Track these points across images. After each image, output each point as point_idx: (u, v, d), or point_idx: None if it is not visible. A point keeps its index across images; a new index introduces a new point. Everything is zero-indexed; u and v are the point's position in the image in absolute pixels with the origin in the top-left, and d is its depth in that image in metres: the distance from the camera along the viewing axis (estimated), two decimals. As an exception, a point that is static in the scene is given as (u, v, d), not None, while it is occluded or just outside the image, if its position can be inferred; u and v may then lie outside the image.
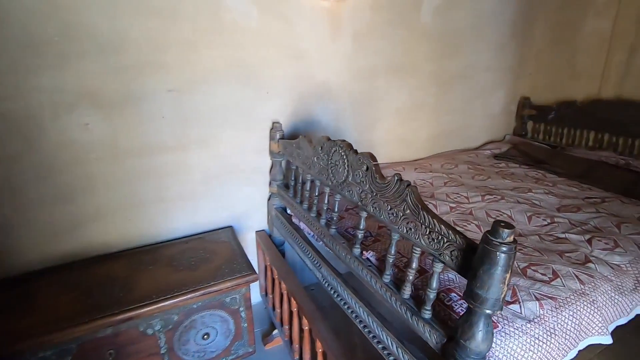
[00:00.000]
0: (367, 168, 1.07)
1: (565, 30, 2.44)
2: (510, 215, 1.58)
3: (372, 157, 1.07)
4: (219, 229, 1.83)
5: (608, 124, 2.23)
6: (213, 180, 1.76)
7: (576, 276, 1.13)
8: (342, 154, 1.19)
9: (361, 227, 1.14)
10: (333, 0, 1.77)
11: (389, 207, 0.99)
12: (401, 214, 0.94)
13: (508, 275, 0.70)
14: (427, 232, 0.86)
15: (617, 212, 1.61)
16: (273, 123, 1.79)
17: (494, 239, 0.69)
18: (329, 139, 1.28)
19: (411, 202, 0.91)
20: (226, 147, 1.74)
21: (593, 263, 1.21)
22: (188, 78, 1.57)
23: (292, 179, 1.66)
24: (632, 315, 1.17)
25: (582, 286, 1.09)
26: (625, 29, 2.13)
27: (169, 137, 1.60)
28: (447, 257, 0.81)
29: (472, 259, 0.74)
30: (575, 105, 2.38)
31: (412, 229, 0.91)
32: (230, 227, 1.85)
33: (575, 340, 1.01)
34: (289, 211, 1.78)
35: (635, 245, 1.32)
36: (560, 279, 1.11)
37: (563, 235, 1.41)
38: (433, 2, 2.11)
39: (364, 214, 1.13)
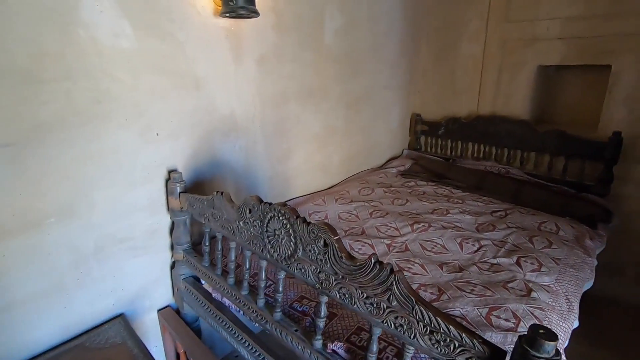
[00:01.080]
0: (326, 244, 0.84)
1: (446, 51, 2.66)
2: (443, 244, 1.56)
3: (332, 229, 0.84)
4: (105, 322, 1.33)
5: (487, 136, 2.51)
6: (89, 259, 1.26)
7: (532, 313, 1.12)
8: (285, 222, 0.93)
9: (322, 314, 0.90)
10: (232, 19, 1.47)
11: (365, 296, 0.78)
12: (385, 306, 0.75)
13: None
14: (428, 332, 0.68)
15: (521, 224, 1.77)
16: (169, 172, 1.39)
17: (536, 354, 0.55)
18: (261, 201, 1.00)
19: (400, 292, 0.72)
20: (103, 212, 1.26)
21: (534, 291, 1.24)
22: (29, 125, 1.06)
23: (206, 244, 1.30)
24: (569, 336, 1.24)
25: (541, 323, 1.09)
26: (493, 53, 2.43)
27: (6, 216, 1.05)
28: (461, 364, 0.65)
29: (502, 373, 0.59)
30: (460, 121, 2.62)
31: (404, 326, 0.72)
32: (121, 314, 1.37)
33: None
34: (203, 281, 1.41)
35: (552, 261, 1.44)
36: (522, 321, 1.09)
37: (495, 261, 1.44)
38: (333, 24, 2.01)
39: (324, 299, 0.89)
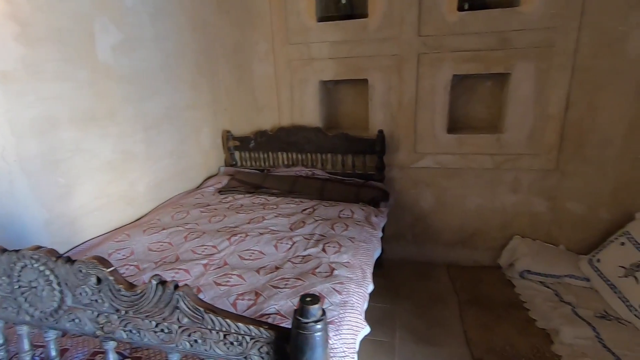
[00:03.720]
0: (99, 280, 0.73)
1: (243, 71, 2.80)
2: (260, 250, 1.62)
3: (103, 262, 0.73)
4: None
5: (292, 145, 2.77)
6: None
7: (334, 289, 1.29)
8: (42, 268, 0.75)
9: (113, 365, 0.77)
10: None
11: (154, 324, 0.71)
12: (177, 327, 0.69)
13: (327, 350, 0.65)
14: (222, 337, 0.67)
15: (326, 215, 2.03)
16: None
17: (307, 321, 0.61)
18: (4, 250, 0.78)
19: (187, 307, 0.68)
20: None
21: (336, 270, 1.43)
22: None
23: None
24: (368, 297, 1.48)
25: (341, 296, 1.26)
26: (283, 72, 2.72)
27: None
28: (256, 357, 0.66)
29: (287, 348, 0.63)
30: (267, 134, 2.80)
31: (199, 340, 0.69)
32: None
33: (354, 346, 1.15)
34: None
35: (349, 241, 1.70)
36: (327, 298, 1.23)
37: (306, 253, 1.59)
38: (109, 39, 1.81)
39: (111, 345, 0.76)
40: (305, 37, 2.61)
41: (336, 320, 1.13)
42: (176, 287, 0.68)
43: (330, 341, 1.03)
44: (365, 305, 1.40)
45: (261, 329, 0.65)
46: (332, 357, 1.00)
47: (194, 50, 2.53)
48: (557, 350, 1.87)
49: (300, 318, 0.62)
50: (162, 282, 0.69)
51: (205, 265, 1.48)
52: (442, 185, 2.68)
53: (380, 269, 2.76)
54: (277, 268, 1.46)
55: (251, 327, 0.65)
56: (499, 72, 2.42)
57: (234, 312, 1.03)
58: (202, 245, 1.65)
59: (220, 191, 2.47)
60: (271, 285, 1.31)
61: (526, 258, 2.48)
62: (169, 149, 2.30)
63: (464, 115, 2.74)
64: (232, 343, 0.67)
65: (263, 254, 1.59)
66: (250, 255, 1.57)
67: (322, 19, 2.62)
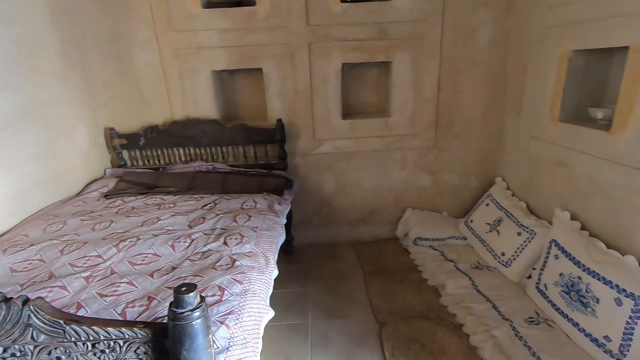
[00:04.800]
0: None
1: (123, 62, 2.52)
2: (155, 252, 1.51)
3: None
4: None
5: (188, 139, 2.62)
6: None
7: (234, 279, 1.27)
8: None
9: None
10: None
11: (1, 350, 0.61)
12: (32, 347, 0.61)
13: (210, 336, 0.64)
14: (91, 347, 0.61)
15: (228, 208, 1.98)
16: None
17: (182, 311, 0.59)
18: None
19: (43, 322, 0.60)
20: None
21: (238, 261, 1.42)
22: None
23: None
24: (272, 283, 1.50)
25: (242, 285, 1.26)
26: (170, 61, 2.52)
27: None
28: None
29: (167, 344, 0.61)
30: (158, 129, 2.59)
31: (63, 357, 0.62)
32: None
33: (258, 332, 1.16)
34: None
35: (252, 231, 1.69)
36: (227, 290, 1.21)
37: (206, 249, 1.54)
38: None
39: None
40: (191, 24, 2.46)
41: (236, 310, 1.12)
42: (25, 301, 0.60)
43: (229, 330, 1.03)
44: (270, 291, 1.42)
45: (135, 329, 0.61)
46: (232, 345, 0.99)
47: (57, 38, 2.19)
48: (444, 302, 2.17)
49: (175, 309, 0.60)
50: (6, 300, 0.60)
51: (87, 278, 1.32)
52: (341, 169, 2.84)
53: (291, 255, 2.84)
54: (173, 268, 1.38)
55: (123, 329, 0.61)
56: (382, 61, 2.63)
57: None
58: (84, 257, 1.46)
59: (107, 195, 2.21)
60: (166, 287, 1.23)
61: (417, 227, 2.79)
62: (33, 152, 1.96)
63: (356, 102, 2.93)
64: (103, 351, 0.61)
65: (158, 255, 1.48)
66: (143, 260, 1.45)
67: (208, 5, 2.50)
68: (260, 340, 1.14)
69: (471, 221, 2.74)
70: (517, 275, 2.23)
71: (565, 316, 1.79)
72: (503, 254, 2.34)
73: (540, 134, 2.31)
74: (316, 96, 2.66)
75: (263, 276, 1.38)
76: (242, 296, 1.19)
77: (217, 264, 1.39)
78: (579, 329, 1.71)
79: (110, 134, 2.57)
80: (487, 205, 2.68)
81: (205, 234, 1.66)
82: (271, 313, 1.29)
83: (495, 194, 2.69)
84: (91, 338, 0.61)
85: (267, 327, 2.04)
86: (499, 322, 1.89)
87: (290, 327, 2.06)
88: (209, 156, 2.68)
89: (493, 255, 2.43)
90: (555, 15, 2.11)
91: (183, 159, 2.70)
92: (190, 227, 1.76)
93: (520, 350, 1.71)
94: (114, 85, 2.57)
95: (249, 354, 1.01)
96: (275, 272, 1.55)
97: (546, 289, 1.95)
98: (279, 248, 1.76)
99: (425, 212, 2.94)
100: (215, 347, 0.96)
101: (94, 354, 0.61)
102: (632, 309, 1.49)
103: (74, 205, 2.05)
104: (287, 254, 2.85)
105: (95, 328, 0.60)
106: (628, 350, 1.49)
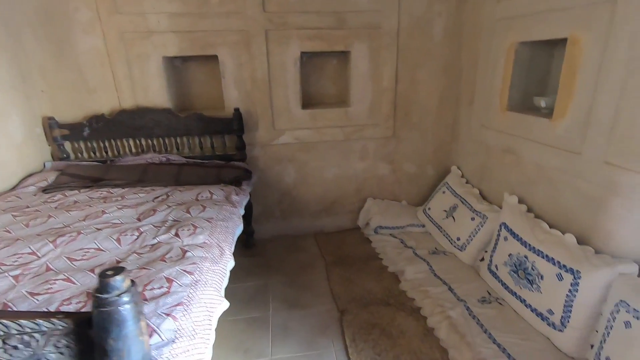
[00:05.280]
0: None
1: (62, 45, 2.31)
2: (98, 246, 1.40)
3: None
4: None
5: (138, 129, 2.47)
6: None
7: (184, 270, 1.21)
8: None
9: None
10: None
11: None
12: None
13: (143, 323, 0.59)
14: (1, 344, 0.54)
15: (181, 200, 1.89)
16: None
17: (108, 296, 0.54)
18: None
19: (-61, 318, 0.52)
20: None
21: (189, 252, 1.35)
22: None
23: None
24: (228, 273, 1.45)
25: (192, 276, 1.19)
26: (116, 46, 2.35)
27: None
28: (53, 355, 0.56)
29: (91, 335, 0.55)
30: (104, 118, 2.41)
31: (-33, 356, 0.54)
32: None
33: (209, 324, 1.11)
34: None
35: (206, 222, 1.62)
36: (175, 281, 1.14)
37: (155, 241, 1.45)
38: None
39: None
40: (138, 6, 2.31)
41: (185, 301, 1.06)
42: None
43: (176, 322, 0.97)
44: (225, 282, 1.37)
45: (54, 320, 0.55)
46: (179, 337, 0.94)
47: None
48: (403, 287, 2.22)
49: (99, 295, 0.54)
50: None
51: (17, 276, 1.19)
52: (302, 160, 2.81)
53: (252, 248, 2.78)
54: (118, 262, 1.29)
55: (40, 321, 0.54)
56: (341, 50, 2.62)
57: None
58: (14, 255, 1.32)
59: (45, 190, 2.03)
60: (108, 282, 1.14)
61: (377, 216, 2.83)
62: (-46, 142, 1.75)
63: (316, 92, 2.91)
64: (15, 347, 0.54)
65: (101, 250, 1.38)
66: (84, 255, 1.34)
67: (156, -14, 2.36)
68: (213, 332, 1.09)
69: (429, 209, 2.82)
70: (471, 259, 2.33)
71: (514, 294, 1.89)
72: (458, 239, 2.44)
73: (491, 123, 2.41)
74: (275, 85, 2.60)
75: (217, 267, 1.33)
76: (192, 287, 1.13)
77: (167, 256, 1.31)
78: (525, 305, 1.81)
79: (50, 124, 2.36)
80: (444, 192, 2.77)
81: (155, 227, 1.57)
82: (225, 304, 1.24)
83: (450, 182, 2.78)
84: (2, 333, 0.53)
85: (226, 322, 2.00)
86: (454, 304, 1.96)
87: (250, 320, 2.01)
88: (162, 147, 2.55)
89: (449, 240, 2.52)
90: (504, 8, 2.20)
91: (134, 150, 2.55)
92: (139, 219, 1.65)
93: (473, 328, 1.79)
94: (53, 71, 2.36)
95: (198, 346, 0.96)
96: (231, 263, 1.50)
97: (497, 269, 2.04)
98: (235, 239, 1.70)
99: (385, 202, 2.99)
100: (161, 339, 0.90)
101: (4, 351, 0.54)
102: (571, 283, 1.60)
103: (5, 201, 1.86)
104: (248, 247, 2.78)
105: (4, 321, 0.53)
106: (568, 321, 1.60)
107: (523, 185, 2.16)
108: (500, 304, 1.95)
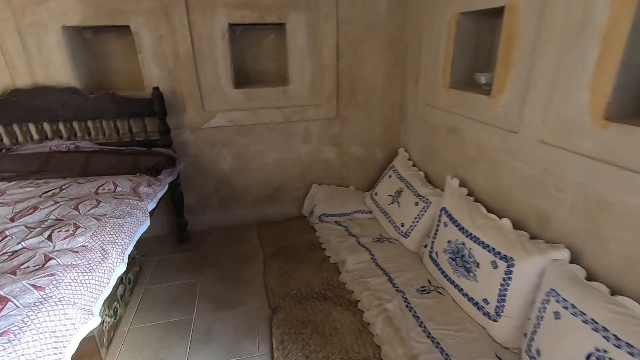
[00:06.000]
0: None
1: None
2: (-61, 257, 1.13)
3: None
4: None
5: (38, 112, 2.12)
6: None
7: (33, 285, 0.97)
8: None
9: None
10: None
11: None
12: None
13: None
14: None
15: (76, 194, 1.62)
16: None
17: None
18: None
19: None
20: None
21: (54, 259, 1.11)
22: None
23: None
24: (113, 281, 1.22)
25: (42, 292, 0.96)
26: (2, 14, 1.98)
27: None
28: None
29: None
30: (-6, 100, 2.06)
31: None
32: None
33: (58, 351, 0.89)
34: None
35: (94, 220, 1.37)
36: (12, 301, 0.91)
37: (19, 247, 1.19)
38: None
39: None
40: (25, -36, 1.94)
41: (14, 328, 0.83)
42: None
43: (-13, 361, 0.75)
44: (104, 292, 1.15)
45: None
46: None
47: None
48: (343, 279, 2.07)
49: None
50: None
51: None
52: (239, 144, 2.57)
53: (187, 242, 2.55)
54: (-42, 278, 1.03)
55: None
56: (275, 22, 2.36)
57: None
58: None
59: None
60: None
61: (322, 203, 2.66)
62: None
63: (254, 69, 2.65)
64: None
65: (-58, 262, 1.11)
66: None
67: (48, -59, 1.99)
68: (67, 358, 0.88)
69: (376, 194, 2.68)
70: (415, 245, 2.21)
71: (452, 282, 1.79)
72: (402, 225, 2.31)
73: (435, 102, 2.27)
74: (202, 61, 2.32)
75: (90, 276, 1.10)
76: (35, 308, 0.90)
77: (23, 266, 1.07)
78: (463, 294, 1.71)
79: None
80: (390, 176, 2.64)
81: (28, 228, 1.30)
82: (95, 320, 1.02)
83: (397, 165, 2.65)
84: None
85: (143, 329, 1.78)
86: (392, 295, 1.84)
87: (170, 325, 1.80)
88: (70, 133, 2.22)
89: (394, 226, 2.39)
90: (444, -25, 2.02)
91: (36, 137, 2.21)
92: (12, 220, 1.38)
93: (409, 321, 1.67)
94: None
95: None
96: (121, 268, 1.27)
97: (437, 256, 1.93)
98: (136, 238, 1.47)
99: (331, 187, 2.82)
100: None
101: None
102: (504, 271, 1.50)
103: None
104: (182, 241, 2.55)
105: None
106: (502, 311, 1.51)
107: (465, 166, 2.05)
108: (440, 293, 1.85)
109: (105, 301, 1.63)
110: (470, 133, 1.97)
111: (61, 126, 2.21)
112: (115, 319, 1.75)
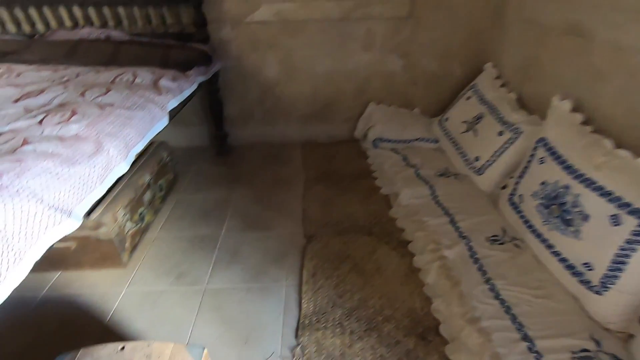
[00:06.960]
0: None
1: None
2: None
3: None
4: None
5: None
6: None
7: (-10, 171, 0.76)
8: None
9: None
10: None
11: None
12: None
13: None
14: None
15: (90, 82, 1.40)
16: None
17: None
18: None
19: None
20: None
21: (32, 144, 0.89)
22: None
23: None
24: (110, 181, 1.01)
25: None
26: None
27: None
28: None
29: None
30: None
31: None
32: None
33: (21, 249, 0.69)
34: None
35: (96, 107, 1.14)
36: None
37: (6, 129, 1.00)
38: None
39: None
40: None
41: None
42: None
43: None
44: (100, 192, 0.94)
45: None
46: None
47: None
48: (394, 214, 1.75)
49: None
50: None
51: None
52: (286, 46, 2.16)
53: (226, 155, 2.35)
54: None
55: None
56: None
57: None
58: None
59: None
60: None
61: (379, 125, 2.24)
62: None
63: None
64: None
65: None
66: None
67: None
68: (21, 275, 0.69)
69: (446, 119, 2.18)
70: (490, 185, 1.77)
71: (539, 235, 1.36)
72: (477, 159, 1.85)
73: (555, -10, 1.60)
74: None
75: (68, 169, 0.87)
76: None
77: (-3, 149, 0.87)
78: (552, 252, 1.29)
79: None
80: (468, 98, 2.09)
81: (26, 110, 1.11)
82: (70, 223, 0.82)
83: (480, 85, 2.07)
84: None
85: (167, 239, 1.65)
86: (453, 240, 1.48)
87: (197, 239, 1.65)
88: (101, 21, 1.98)
89: (465, 160, 1.93)
90: None
91: (68, 24, 2.00)
92: (15, 101, 1.20)
93: (472, 275, 1.32)
94: None
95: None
96: (121, 167, 1.05)
97: (521, 201, 1.49)
98: (148, 137, 1.23)
99: (391, 108, 2.36)
100: None
101: None
102: (632, 231, 1.04)
103: None
104: (221, 154, 2.36)
105: None
106: (613, 283, 1.08)
107: (585, 84, 1.46)
108: (517, 246, 1.44)
109: (127, 205, 1.51)
110: (605, 32, 1.35)
111: (92, 13, 1.96)
112: (142, 224, 1.63)
